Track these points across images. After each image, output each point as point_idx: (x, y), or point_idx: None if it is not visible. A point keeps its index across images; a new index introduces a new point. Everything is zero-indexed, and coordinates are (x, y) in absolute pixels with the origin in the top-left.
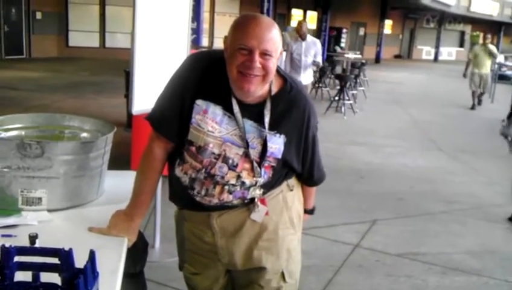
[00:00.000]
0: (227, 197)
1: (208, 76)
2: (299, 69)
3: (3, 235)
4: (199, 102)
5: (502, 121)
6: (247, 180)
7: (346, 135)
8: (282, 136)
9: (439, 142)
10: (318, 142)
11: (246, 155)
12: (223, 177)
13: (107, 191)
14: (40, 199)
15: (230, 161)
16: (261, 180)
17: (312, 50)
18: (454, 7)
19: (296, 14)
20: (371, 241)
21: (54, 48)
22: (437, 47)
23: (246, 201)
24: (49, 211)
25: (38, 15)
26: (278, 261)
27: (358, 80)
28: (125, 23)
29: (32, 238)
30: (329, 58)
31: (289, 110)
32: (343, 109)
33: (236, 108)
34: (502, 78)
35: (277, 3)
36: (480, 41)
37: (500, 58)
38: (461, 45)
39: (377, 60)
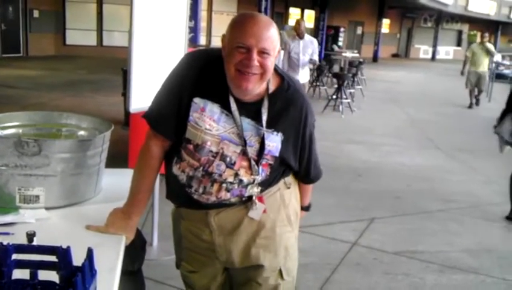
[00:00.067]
0: (225, 195)
1: (205, 74)
2: (297, 68)
3: (0, 233)
4: (197, 100)
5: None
6: (245, 178)
7: (344, 134)
8: (280, 134)
9: (437, 141)
10: (315, 140)
11: (244, 153)
12: (220, 175)
13: (104, 189)
14: (37, 197)
15: (228, 159)
16: (258, 178)
17: (309, 49)
18: (451, 6)
19: (294, 12)
20: (368, 239)
21: (51, 46)
22: (434, 46)
23: (243, 199)
24: (47, 209)
25: (36, 13)
26: (276, 259)
27: (355, 79)
28: (122, 21)
29: (30, 236)
30: (327, 56)
31: (286, 108)
32: (340, 107)
33: (233, 106)
34: (499, 77)
35: (275, 2)
36: (478, 39)
37: (498, 57)
38: (459, 44)
39: (375, 58)
